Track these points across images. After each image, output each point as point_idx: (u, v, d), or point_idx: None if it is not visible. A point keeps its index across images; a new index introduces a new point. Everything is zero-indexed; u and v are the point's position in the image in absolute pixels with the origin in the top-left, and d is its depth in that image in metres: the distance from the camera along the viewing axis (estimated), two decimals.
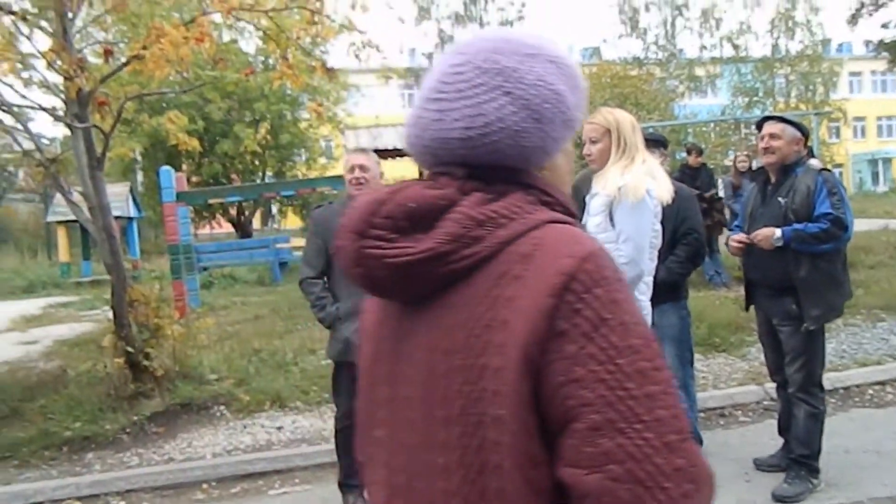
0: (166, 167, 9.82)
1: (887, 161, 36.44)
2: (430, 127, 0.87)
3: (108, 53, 5.17)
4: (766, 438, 4.06)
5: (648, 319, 2.77)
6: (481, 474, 0.78)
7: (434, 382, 0.82)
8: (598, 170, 2.79)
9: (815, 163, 3.83)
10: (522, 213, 0.84)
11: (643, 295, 2.72)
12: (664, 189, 2.72)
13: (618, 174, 2.66)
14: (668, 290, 3.86)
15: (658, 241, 2.78)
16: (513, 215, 0.83)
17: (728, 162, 11.93)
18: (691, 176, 8.00)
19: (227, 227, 22.61)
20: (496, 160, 0.86)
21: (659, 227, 2.78)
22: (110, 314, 5.51)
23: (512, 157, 0.86)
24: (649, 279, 2.75)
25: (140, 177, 21.73)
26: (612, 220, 2.68)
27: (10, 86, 5.35)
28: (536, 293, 0.77)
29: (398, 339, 0.89)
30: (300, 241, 11.71)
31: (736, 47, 30.25)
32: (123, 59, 5.23)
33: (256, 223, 26.48)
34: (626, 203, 2.60)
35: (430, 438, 0.83)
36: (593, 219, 2.74)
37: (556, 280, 0.77)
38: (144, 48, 4.60)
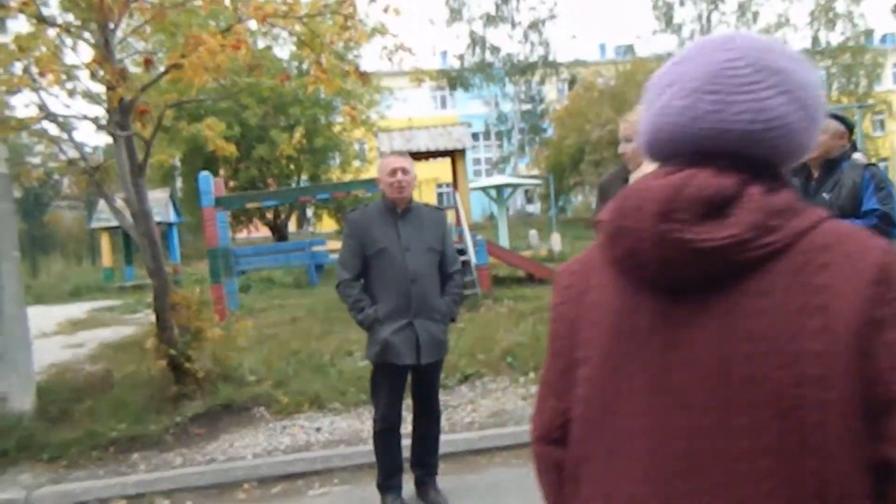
0: (205, 172, 10.02)
1: None
2: (707, 118, 0.89)
3: (148, 63, 5.29)
4: None
5: None
6: (799, 455, 0.81)
7: (731, 368, 0.84)
8: (633, 169, 2.75)
9: (860, 157, 3.72)
10: (802, 206, 0.88)
11: None
12: None
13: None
14: None
15: None
16: (798, 207, 0.87)
17: None
18: None
19: (264, 231, 22.94)
20: (768, 155, 0.90)
21: None
22: (153, 317, 5.63)
23: (781, 153, 0.90)
24: None
25: (179, 182, 22.19)
26: None
27: (56, 96, 5.52)
28: (855, 281, 0.81)
29: (666, 326, 0.89)
30: (336, 244, 11.83)
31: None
32: (162, 69, 5.36)
33: (292, 226, 26.81)
34: None
35: (727, 423, 0.83)
36: None
37: (872, 270, 0.82)
38: (183, 56, 4.70)
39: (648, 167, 2.74)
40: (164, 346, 5.22)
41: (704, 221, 0.85)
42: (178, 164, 20.24)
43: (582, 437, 0.95)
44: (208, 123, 6.29)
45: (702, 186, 0.86)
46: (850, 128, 3.44)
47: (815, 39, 29.17)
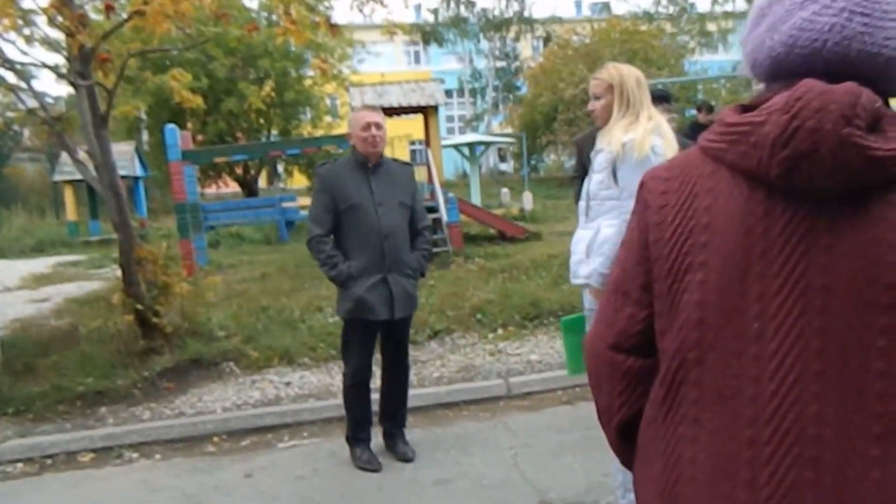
0: (171, 125, 9.78)
1: None
2: (859, 38, 0.91)
3: (109, 9, 5.10)
4: None
5: None
6: None
7: (876, 273, 0.86)
8: (602, 126, 2.75)
9: None
10: None
11: None
12: (670, 146, 2.68)
13: (622, 131, 2.61)
14: None
15: None
16: None
17: None
18: (701, 133, 7.91)
19: (234, 187, 22.61)
20: (891, 85, 0.94)
21: None
22: (119, 272, 5.56)
23: None
24: None
25: (146, 136, 21.66)
26: (615, 177, 2.64)
27: (12, 42, 5.31)
28: None
29: (807, 232, 0.90)
30: (306, 200, 11.71)
31: (749, 0, 29.45)
32: (125, 16, 5.17)
33: (263, 182, 26.44)
34: (631, 159, 2.56)
35: (867, 322, 0.86)
36: (597, 175, 2.70)
37: None
38: (145, 3, 4.54)
39: (616, 125, 2.70)
40: (131, 301, 5.17)
41: (870, 133, 0.88)
42: (144, 116, 19.72)
43: (695, 341, 0.95)
44: (174, 74, 6.12)
45: (872, 99, 0.89)
46: None
47: None
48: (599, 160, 2.69)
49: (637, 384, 1.04)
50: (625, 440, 1.08)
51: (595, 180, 2.71)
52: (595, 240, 2.67)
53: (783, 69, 0.97)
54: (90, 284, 8.94)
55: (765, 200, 0.92)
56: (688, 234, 0.97)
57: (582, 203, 2.79)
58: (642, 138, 2.57)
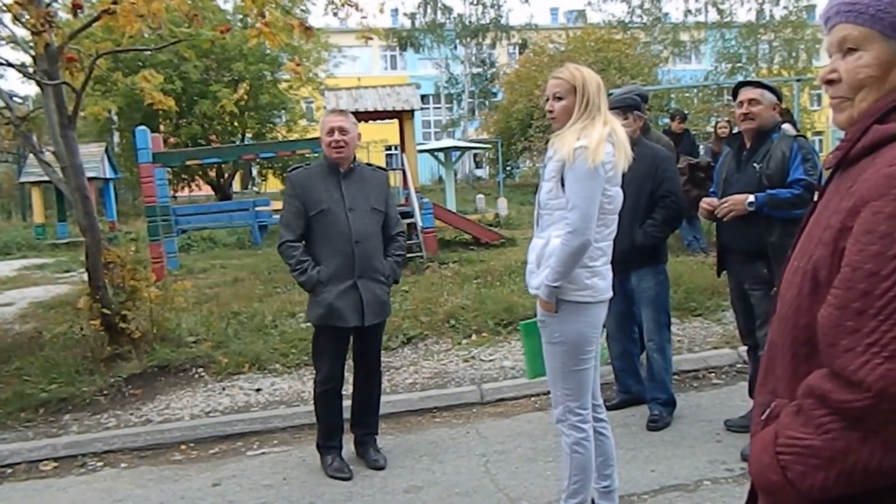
0: (142, 127, 9.63)
1: None
2: None
3: (76, 7, 4.99)
4: (738, 400, 4.15)
5: (608, 285, 2.72)
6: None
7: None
8: (559, 128, 2.63)
9: (788, 128, 3.84)
10: None
11: (595, 262, 2.63)
12: (623, 153, 2.62)
13: (574, 136, 2.52)
14: (647, 254, 3.89)
15: (614, 206, 2.64)
16: None
17: (710, 128, 11.93)
18: (674, 142, 8.00)
19: (207, 190, 22.35)
20: None
21: (615, 191, 2.63)
22: (86, 276, 5.44)
23: None
24: (605, 244, 2.67)
25: (117, 138, 21.33)
26: (563, 185, 2.54)
27: None
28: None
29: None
30: (281, 205, 11.60)
31: (721, 12, 29.99)
32: (95, 14, 5.07)
33: (237, 186, 26.15)
34: (581, 168, 2.47)
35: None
36: (546, 184, 2.62)
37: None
38: (115, 2, 4.45)
39: (569, 130, 2.63)
40: (98, 306, 5.06)
41: None
42: (116, 118, 19.42)
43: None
44: (144, 75, 6.01)
45: None
46: (779, 98, 3.53)
47: (760, 12, 29.71)
48: (549, 168, 2.59)
49: None
50: None
51: (544, 189, 2.63)
52: (544, 251, 2.61)
53: None
54: (56, 288, 8.74)
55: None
56: None
57: (536, 212, 2.74)
58: (596, 146, 2.47)
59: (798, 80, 10.97)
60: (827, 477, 0.93)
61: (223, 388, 4.94)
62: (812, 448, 0.95)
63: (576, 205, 2.49)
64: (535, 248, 2.69)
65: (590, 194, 2.50)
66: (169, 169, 12.56)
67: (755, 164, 3.45)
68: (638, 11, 30.46)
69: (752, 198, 3.38)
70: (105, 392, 4.80)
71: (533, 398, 4.59)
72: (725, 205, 3.47)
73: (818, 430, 0.95)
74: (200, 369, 5.19)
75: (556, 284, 2.56)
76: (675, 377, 4.48)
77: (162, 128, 17.55)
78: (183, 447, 4.19)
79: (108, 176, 17.26)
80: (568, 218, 2.51)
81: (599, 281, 2.67)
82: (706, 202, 3.62)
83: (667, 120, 11.52)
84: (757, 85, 3.51)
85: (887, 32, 1.04)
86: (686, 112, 11.41)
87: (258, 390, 4.89)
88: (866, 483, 0.93)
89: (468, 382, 4.86)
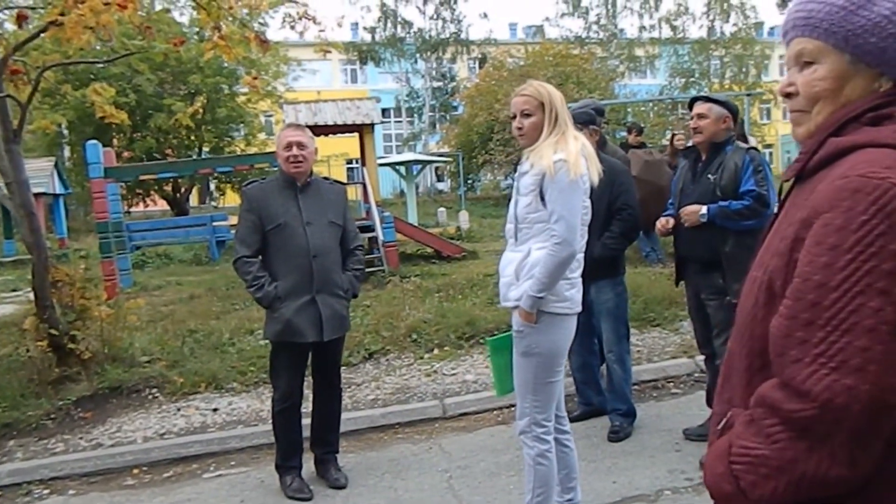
0: (93, 141, 9.39)
1: None
2: None
3: (21, 18, 4.84)
4: (696, 409, 4.19)
5: (579, 296, 2.76)
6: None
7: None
8: (528, 145, 2.66)
9: (740, 142, 3.93)
10: None
11: (573, 273, 2.68)
12: (594, 168, 2.68)
13: (551, 150, 2.57)
14: (605, 267, 3.92)
15: (588, 218, 2.75)
16: None
17: (665, 141, 12.19)
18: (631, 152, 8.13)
19: (164, 205, 21.90)
20: None
21: (589, 203, 2.73)
22: (32, 296, 5.25)
23: None
24: (580, 256, 2.73)
25: (67, 152, 20.77)
26: (542, 199, 2.58)
27: None
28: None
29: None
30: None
31: (674, 28, 30.83)
32: (42, 26, 4.92)
33: (194, 201, 25.70)
34: (562, 181, 2.52)
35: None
36: (523, 199, 2.64)
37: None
38: (62, 14, 4.34)
39: (544, 144, 2.68)
40: (45, 326, 4.88)
41: None
42: (66, 132, 18.91)
43: None
44: (95, 88, 5.88)
45: None
46: (733, 112, 3.60)
47: (711, 29, 30.61)
48: (525, 182, 2.63)
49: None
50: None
51: (522, 203, 2.64)
52: (525, 262, 2.63)
53: None
54: (1, 308, 8.42)
55: None
56: None
57: (510, 226, 2.74)
58: (575, 159, 2.54)
59: (748, 95, 11.30)
60: (777, 487, 0.93)
61: (178, 409, 4.80)
62: (762, 458, 0.95)
63: (561, 216, 2.53)
64: (511, 260, 2.69)
65: (573, 205, 2.56)
66: (123, 184, 12.28)
67: (710, 176, 3.53)
68: (595, 27, 31.13)
69: (704, 209, 3.46)
70: (52, 416, 4.62)
71: (495, 412, 4.58)
72: (682, 216, 3.56)
73: (768, 439, 0.95)
74: (154, 390, 5.03)
75: (540, 295, 2.57)
76: (635, 387, 4.52)
77: (115, 142, 17.16)
78: (136, 471, 4.05)
79: (57, 191, 16.78)
80: (554, 230, 2.54)
81: (577, 293, 2.71)
82: (661, 222, 3.72)
83: (624, 133, 11.73)
84: (707, 100, 3.59)
85: (840, 46, 1.05)
86: (642, 125, 11.65)
87: (215, 410, 4.77)
88: (813, 493, 0.93)
89: (430, 397, 4.82)
